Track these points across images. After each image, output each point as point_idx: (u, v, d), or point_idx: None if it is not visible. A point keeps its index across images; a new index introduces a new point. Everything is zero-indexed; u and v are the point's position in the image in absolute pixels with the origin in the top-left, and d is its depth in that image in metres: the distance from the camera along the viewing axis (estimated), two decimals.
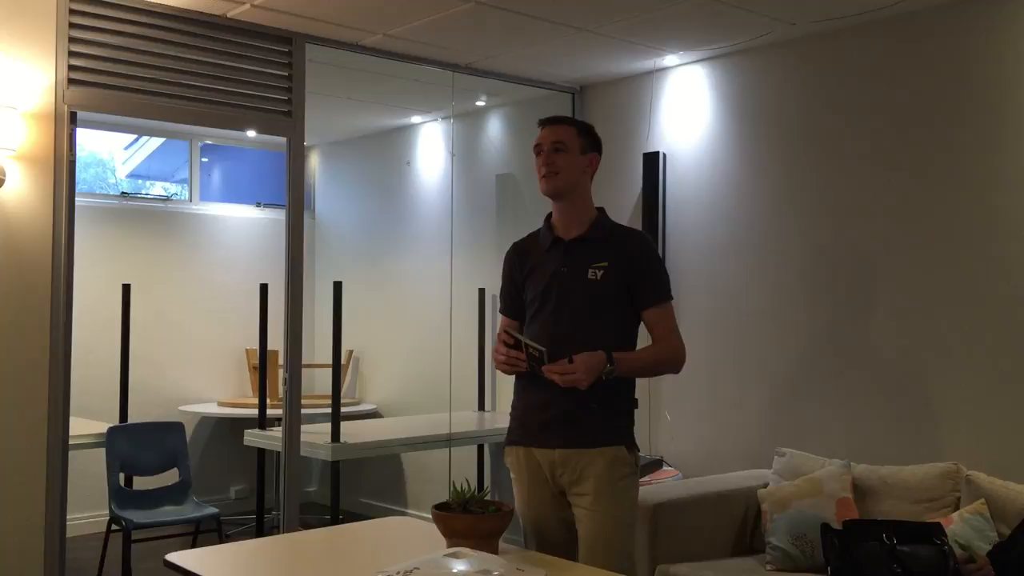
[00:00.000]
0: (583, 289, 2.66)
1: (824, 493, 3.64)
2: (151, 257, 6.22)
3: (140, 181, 6.99)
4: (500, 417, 5.68)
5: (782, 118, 4.38)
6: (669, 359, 2.70)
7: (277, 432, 4.71)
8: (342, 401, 4.91)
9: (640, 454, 2.76)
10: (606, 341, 2.59)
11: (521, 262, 2.82)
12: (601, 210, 2.80)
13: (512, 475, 2.77)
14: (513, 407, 2.78)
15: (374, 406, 6.57)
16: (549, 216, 2.81)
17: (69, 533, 3.77)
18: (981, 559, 3.08)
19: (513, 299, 2.84)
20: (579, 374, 2.51)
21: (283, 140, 4.34)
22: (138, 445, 4.78)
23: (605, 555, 2.55)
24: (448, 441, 5.13)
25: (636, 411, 2.75)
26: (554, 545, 2.64)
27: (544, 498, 2.69)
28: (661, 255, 4.72)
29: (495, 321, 5.73)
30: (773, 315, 4.37)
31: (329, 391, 4.89)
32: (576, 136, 2.72)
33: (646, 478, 4.28)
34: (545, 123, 2.76)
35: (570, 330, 2.62)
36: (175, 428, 4.95)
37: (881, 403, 3.97)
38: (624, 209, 4.98)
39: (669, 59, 4.72)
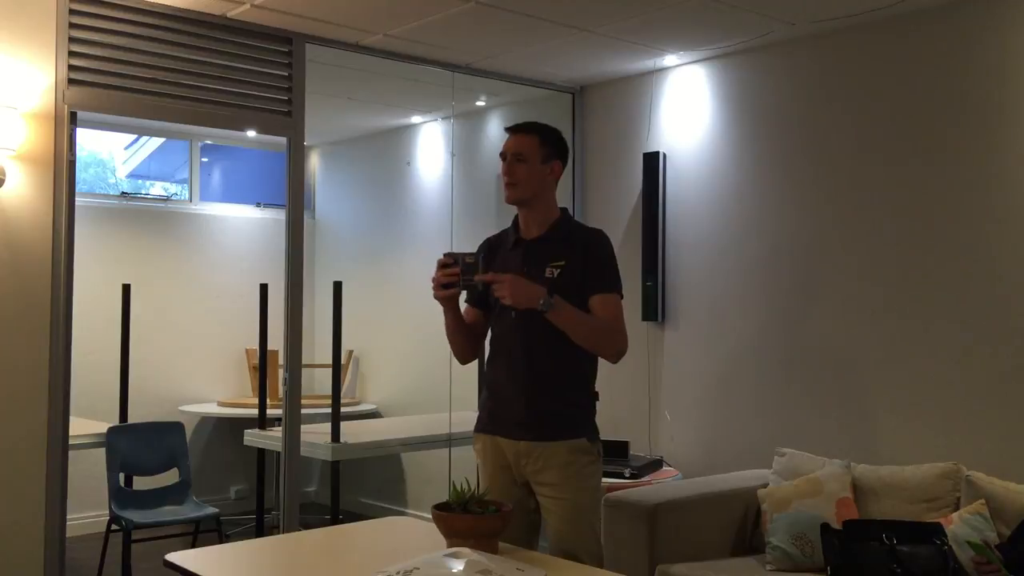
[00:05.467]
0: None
1: (824, 493, 3.64)
2: (151, 257, 6.22)
3: (140, 181, 6.98)
4: None
5: (782, 118, 4.38)
6: (607, 333, 2.72)
7: (277, 432, 4.71)
8: (342, 401, 4.92)
9: (602, 440, 2.86)
10: (565, 338, 2.66)
11: (489, 259, 2.90)
12: (564, 211, 2.89)
13: (478, 461, 2.89)
14: (481, 397, 2.91)
15: (374, 406, 6.57)
16: (516, 216, 2.90)
17: (69, 533, 3.77)
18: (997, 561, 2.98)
19: (479, 292, 2.88)
20: (506, 287, 2.59)
21: (283, 140, 4.35)
22: (138, 445, 4.78)
23: (573, 540, 2.68)
24: (448, 441, 5.13)
25: (599, 404, 2.86)
26: (513, 530, 2.66)
27: (507, 485, 2.79)
28: (660, 256, 4.75)
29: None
30: (773, 315, 4.37)
31: (329, 391, 4.90)
32: (538, 147, 2.79)
33: (646, 478, 4.28)
34: (510, 131, 2.84)
35: (532, 328, 2.69)
36: (175, 428, 4.95)
37: (881, 403, 3.97)
38: (624, 209, 4.99)
39: (669, 59, 4.72)
